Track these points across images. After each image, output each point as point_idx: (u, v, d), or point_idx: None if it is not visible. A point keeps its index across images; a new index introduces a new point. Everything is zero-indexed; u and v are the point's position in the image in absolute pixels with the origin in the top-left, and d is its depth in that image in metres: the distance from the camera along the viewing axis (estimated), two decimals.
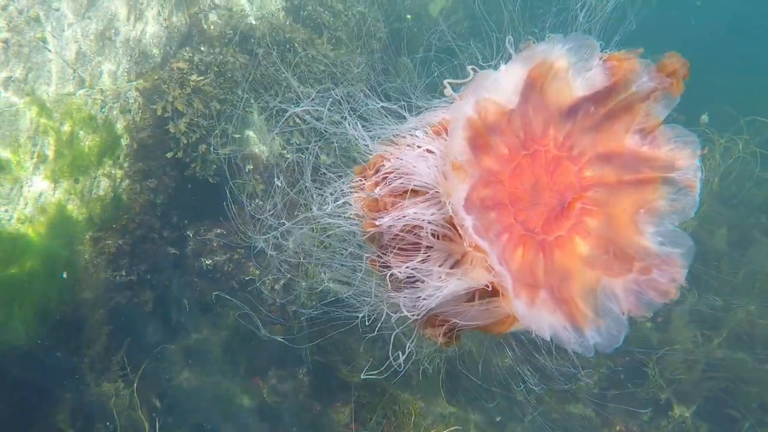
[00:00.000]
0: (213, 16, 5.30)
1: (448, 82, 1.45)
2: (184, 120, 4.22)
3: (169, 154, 4.28)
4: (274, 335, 4.71)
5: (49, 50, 3.71)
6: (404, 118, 1.59)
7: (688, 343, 5.78)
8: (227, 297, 4.61)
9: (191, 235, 4.81)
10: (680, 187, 1.40)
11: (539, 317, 1.31)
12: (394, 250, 1.45)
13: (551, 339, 1.32)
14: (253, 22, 5.50)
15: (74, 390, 4.03)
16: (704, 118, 7.18)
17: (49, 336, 3.73)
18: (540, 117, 1.40)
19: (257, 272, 4.74)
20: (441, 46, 3.08)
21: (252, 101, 5.09)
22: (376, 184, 1.45)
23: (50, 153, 3.70)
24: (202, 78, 4.37)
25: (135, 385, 4.03)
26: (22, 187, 3.60)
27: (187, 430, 4.87)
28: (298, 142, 4.72)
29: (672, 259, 1.38)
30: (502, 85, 1.36)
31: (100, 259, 3.96)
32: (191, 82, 4.30)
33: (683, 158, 1.40)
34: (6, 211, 3.54)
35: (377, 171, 1.48)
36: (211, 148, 4.37)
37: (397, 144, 1.51)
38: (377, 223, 1.41)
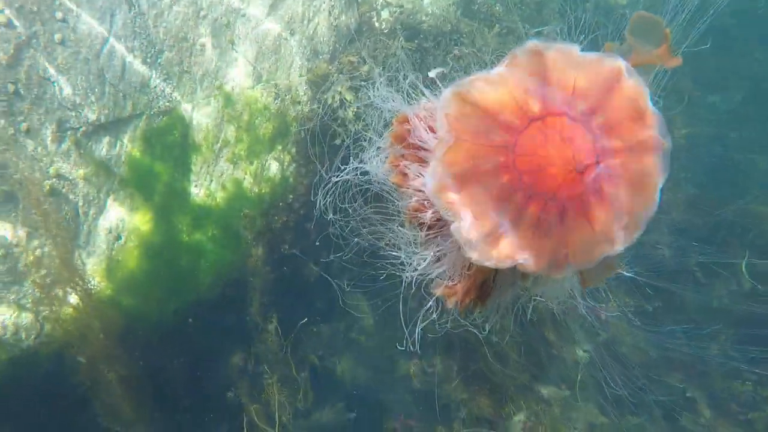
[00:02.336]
0: (385, 14, 5.64)
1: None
2: (351, 109, 4.60)
3: (337, 141, 4.70)
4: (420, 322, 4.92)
5: (236, 50, 4.35)
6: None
7: None
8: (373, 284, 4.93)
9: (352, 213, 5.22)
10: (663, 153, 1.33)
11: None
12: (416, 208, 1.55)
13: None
14: (423, 18, 5.72)
15: (242, 346, 4.71)
16: None
17: (222, 295, 4.40)
18: (553, 95, 1.38)
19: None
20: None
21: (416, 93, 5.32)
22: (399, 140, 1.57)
23: (231, 138, 4.34)
24: (368, 68, 4.71)
25: (287, 348, 4.57)
26: (209, 166, 4.30)
27: (338, 396, 5.34)
28: None
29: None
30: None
31: (267, 234, 4.54)
32: (360, 73, 4.68)
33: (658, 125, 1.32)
34: (196, 185, 4.26)
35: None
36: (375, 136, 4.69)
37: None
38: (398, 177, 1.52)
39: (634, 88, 1.35)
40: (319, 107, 4.71)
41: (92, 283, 3.82)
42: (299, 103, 4.67)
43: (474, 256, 1.32)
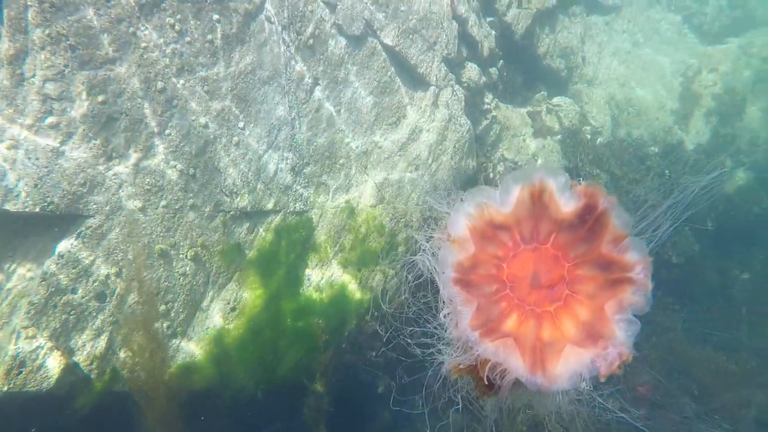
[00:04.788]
0: (500, 167, 6.30)
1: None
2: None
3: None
4: None
5: (367, 174, 5.09)
6: None
7: None
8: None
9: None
10: (638, 286, 1.69)
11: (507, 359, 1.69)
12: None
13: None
14: None
15: None
16: None
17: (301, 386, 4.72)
18: (542, 225, 1.86)
19: None
20: None
21: None
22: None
23: (347, 245, 4.94)
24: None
25: None
26: (323, 265, 4.87)
27: None
28: None
29: (624, 342, 1.63)
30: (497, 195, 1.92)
31: (359, 336, 4.91)
32: None
33: (640, 264, 1.71)
34: (309, 280, 4.81)
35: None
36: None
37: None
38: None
39: (608, 228, 1.83)
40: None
41: (174, 350, 4.31)
42: (411, 227, 5.24)
43: (464, 345, 1.73)
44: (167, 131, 4.13)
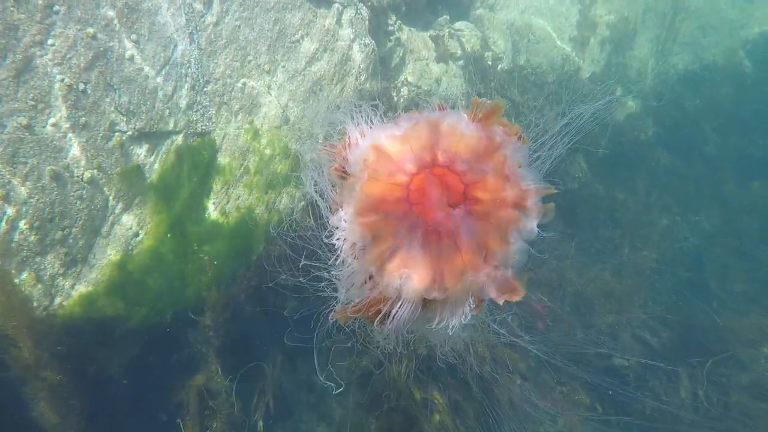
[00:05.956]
0: (404, 91, 6.37)
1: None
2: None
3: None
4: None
5: (271, 94, 4.98)
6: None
7: None
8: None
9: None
10: (530, 215, 1.87)
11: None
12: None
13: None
14: (435, 101, 6.45)
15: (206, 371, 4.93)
16: None
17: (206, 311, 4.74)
18: (441, 153, 2.00)
19: None
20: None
21: None
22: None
23: (252, 168, 4.87)
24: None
25: (231, 388, 4.83)
26: (228, 188, 4.79)
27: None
28: None
29: (513, 268, 1.83)
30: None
31: (266, 259, 4.95)
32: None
33: (537, 192, 1.90)
34: (214, 204, 4.73)
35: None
36: None
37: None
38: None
39: (504, 158, 1.97)
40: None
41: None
42: (316, 150, 5.24)
43: (370, 268, 1.85)
44: (50, 41, 3.79)
